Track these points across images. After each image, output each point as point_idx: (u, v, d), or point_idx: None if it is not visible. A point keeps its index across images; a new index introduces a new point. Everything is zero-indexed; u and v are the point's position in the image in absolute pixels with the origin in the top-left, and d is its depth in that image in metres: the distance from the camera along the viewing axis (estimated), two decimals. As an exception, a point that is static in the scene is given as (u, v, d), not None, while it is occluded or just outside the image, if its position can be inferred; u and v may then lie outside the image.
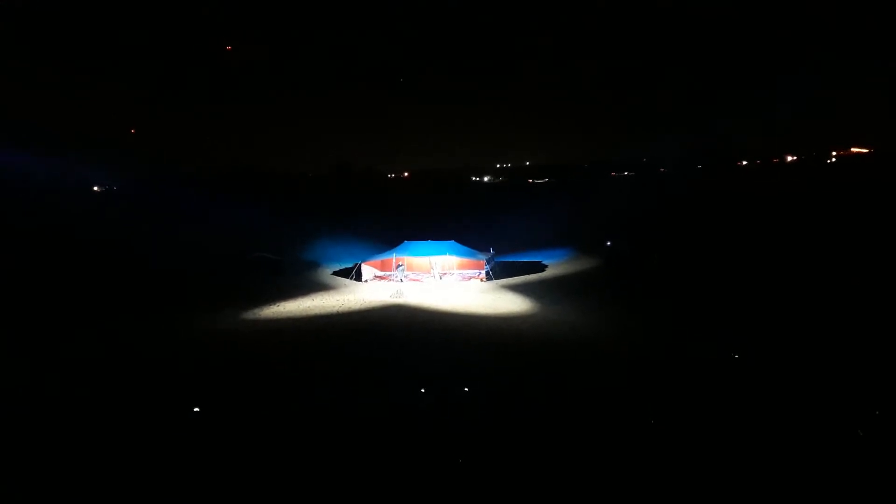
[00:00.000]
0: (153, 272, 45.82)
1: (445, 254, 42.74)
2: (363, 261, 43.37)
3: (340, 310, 33.45)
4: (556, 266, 46.67)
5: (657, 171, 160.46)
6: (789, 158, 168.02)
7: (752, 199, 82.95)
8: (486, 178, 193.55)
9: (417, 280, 41.46)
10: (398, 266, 41.45)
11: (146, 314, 33.09)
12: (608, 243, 51.13)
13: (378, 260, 44.05)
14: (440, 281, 41.16)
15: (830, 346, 23.38)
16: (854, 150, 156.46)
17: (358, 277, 42.46)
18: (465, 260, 43.50)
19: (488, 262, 42.33)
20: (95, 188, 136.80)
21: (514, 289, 38.10)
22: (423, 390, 20.17)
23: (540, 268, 46.20)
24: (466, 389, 20.10)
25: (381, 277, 42.97)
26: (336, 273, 45.93)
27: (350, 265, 44.87)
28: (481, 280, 41.26)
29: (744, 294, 32.89)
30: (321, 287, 40.62)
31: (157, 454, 16.17)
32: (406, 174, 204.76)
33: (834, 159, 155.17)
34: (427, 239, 45.08)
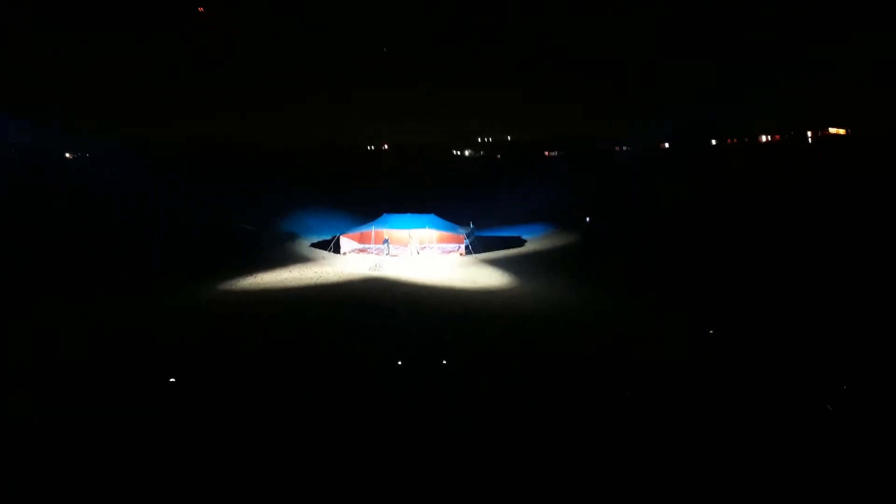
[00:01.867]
0: (128, 242, 45.08)
1: (425, 227, 42.52)
2: (342, 233, 43.08)
3: (318, 282, 33.23)
4: (535, 241, 46.75)
5: (632, 149, 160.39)
6: (764, 139, 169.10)
7: (736, 181, 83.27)
8: (466, 153, 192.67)
9: (394, 255, 41.23)
10: (385, 241, 41.17)
11: (121, 284, 32.59)
12: (587, 220, 51.31)
13: (357, 232, 43.73)
14: (418, 255, 41.04)
15: (803, 323, 23.78)
16: (831, 130, 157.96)
17: (336, 250, 42.20)
18: (444, 234, 43.34)
19: (468, 236, 42.25)
20: (68, 155, 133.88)
21: (493, 263, 38.15)
22: (399, 363, 20.18)
23: (519, 243, 46.27)
24: (445, 362, 20.13)
25: (362, 250, 42.74)
26: (314, 245, 45.63)
27: (329, 237, 44.57)
28: (461, 254, 41.15)
29: (722, 273, 33.14)
30: (299, 259, 40.32)
31: (134, 424, 16.04)
32: (386, 146, 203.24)
33: (810, 140, 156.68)
34: (406, 211, 44.93)
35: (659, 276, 33.35)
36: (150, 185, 79.69)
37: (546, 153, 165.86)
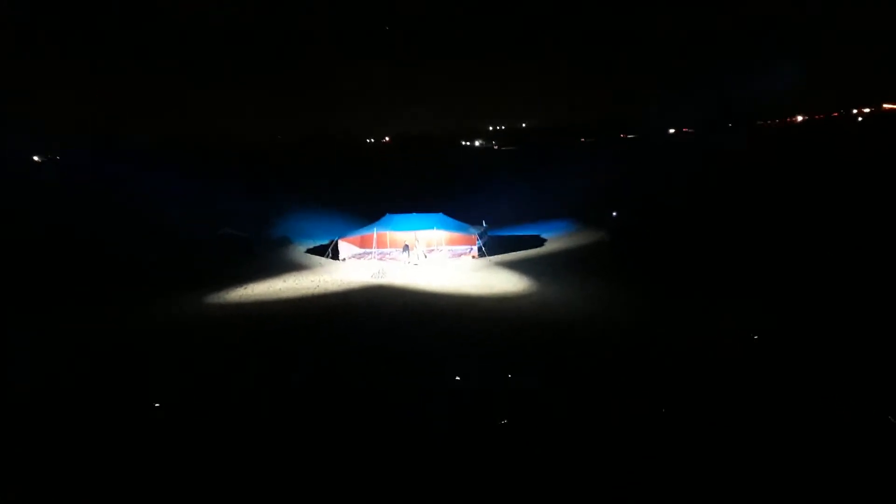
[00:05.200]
0: (104, 252, 45.21)
1: (432, 228, 42.55)
2: (340, 237, 43.16)
3: (316, 292, 33.32)
4: (555, 240, 46.64)
5: (666, 132, 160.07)
6: (800, 118, 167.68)
7: (781, 163, 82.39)
8: (477, 143, 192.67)
9: (414, 263, 40.89)
10: (405, 247, 40.87)
11: (97, 300, 32.69)
12: (613, 214, 51.14)
13: (357, 235, 43.81)
14: (426, 258, 41.07)
15: (856, 326, 23.33)
16: (886, 106, 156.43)
17: (335, 255, 42.28)
18: (454, 234, 43.41)
19: (480, 236, 42.26)
20: (36, 158, 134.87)
21: (510, 266, 38.09)
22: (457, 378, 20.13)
23: (538, 242, 46.21)
24: (458, 378, 20.08)
25: (363, 255, 42.85)
26: (310, 251, 45.81)
27: (326, 242, 44.69)
28: (473, 257, 41.16)
29: (766, 270, 32.50)
30: (294, 267, 40.44)
31: (116, 452, 16.14)
32: (387, 139, 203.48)
33: (860, 118, 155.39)
34: (411, 211, 44.96)
35: (697, 275, 32.96)
36: (125, 187, 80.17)
37: (582, 139, 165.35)
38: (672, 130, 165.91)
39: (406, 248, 40.78)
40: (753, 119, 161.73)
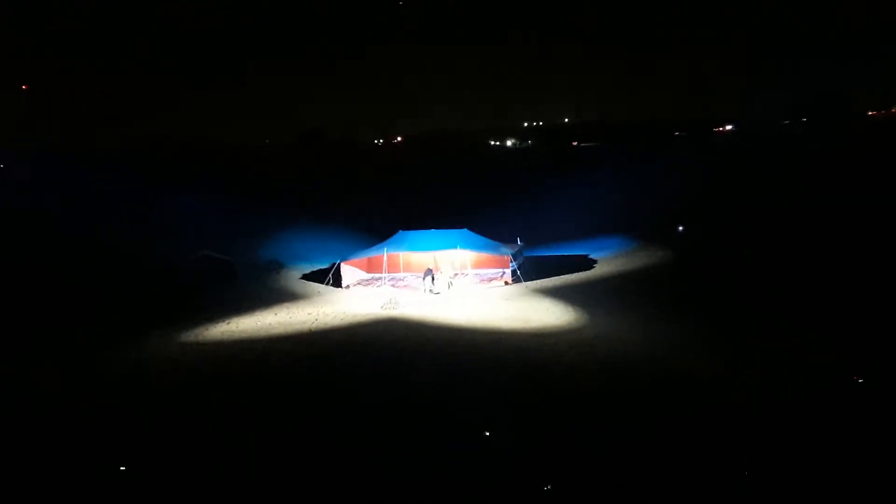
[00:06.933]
0: (60, 280, 45.73)
1: (456, 247, 42.55)
2: (343, 259, 43.37)
3: (314, 328, 33.53)
4: (608, 261, 46.76)
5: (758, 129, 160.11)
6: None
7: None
8: (508, 143, 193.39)
9: (409, 286, 41.27)
10: (427, 271, 40.60)
11: (48, 339, 33.01)
12: (680, 229, 50.92)
13: (363, 258, 44.05)
14: (449, 286, 40.80)
15: None
16: None
17: (336, 282, 42.61)
18: (482, 255, 43.54)
19: (515, 257, 42.32)
20: None
21: (552, 294, 38.25)
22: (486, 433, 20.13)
23: (586, 264, 46.37)
24: (487, 434, 20.11)
25: (371, 282, 43.11)
26: (306, 277, 46.42)
27: (326, 266, 45.04)
28: (506, 282, 41.36)
29: (871, 299, 32.11)
30: (287, 296, 40.89)
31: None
32: (399, 139, 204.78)
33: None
34: (429, 227, 45.25)
35: (785, 306, 32.77)
36: (88, 203, 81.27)
37: (676, 133, 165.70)
38: (725, 128, 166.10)
39: (429, 272, 40.48)
40: (857, 109, 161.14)
